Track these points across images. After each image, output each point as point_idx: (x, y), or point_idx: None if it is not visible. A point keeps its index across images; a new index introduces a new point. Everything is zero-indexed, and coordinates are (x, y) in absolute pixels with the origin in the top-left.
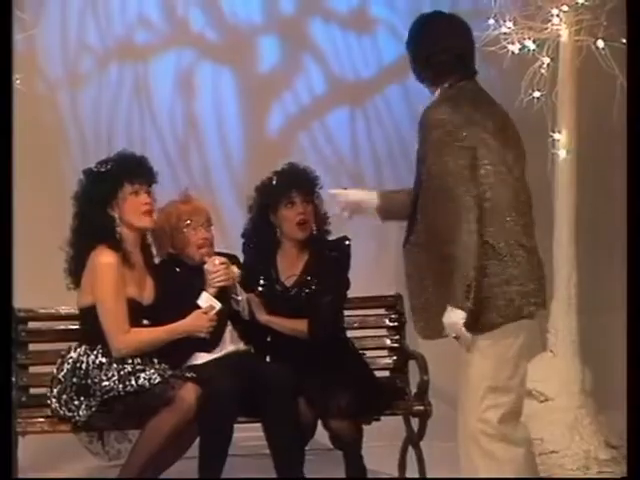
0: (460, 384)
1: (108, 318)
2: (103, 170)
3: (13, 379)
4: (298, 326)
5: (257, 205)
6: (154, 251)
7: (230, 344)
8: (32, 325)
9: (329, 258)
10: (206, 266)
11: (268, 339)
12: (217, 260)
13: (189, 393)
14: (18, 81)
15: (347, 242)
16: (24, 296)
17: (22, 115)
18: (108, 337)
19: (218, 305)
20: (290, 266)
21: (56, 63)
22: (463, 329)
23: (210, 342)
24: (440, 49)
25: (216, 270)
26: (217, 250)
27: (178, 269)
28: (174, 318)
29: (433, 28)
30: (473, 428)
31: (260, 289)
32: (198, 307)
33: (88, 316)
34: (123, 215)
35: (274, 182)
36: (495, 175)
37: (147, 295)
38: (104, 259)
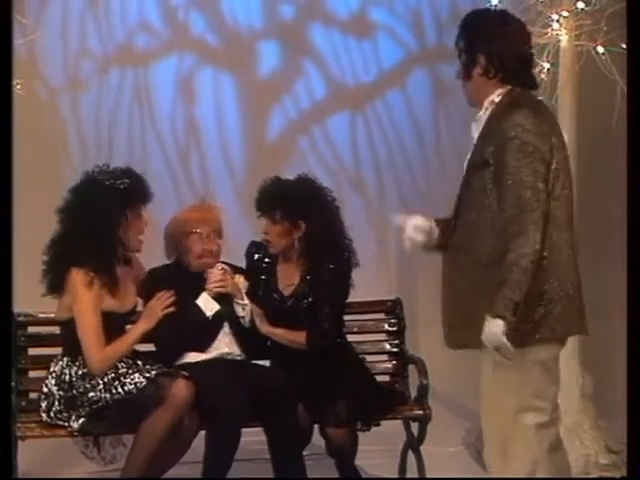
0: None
1: (86, 336)
2: (117, 186)
3: (13, 383)
4: (297, 338)
5: None
6: (165, 253)
7: (225, 347)
8: (32, 330)
9: (327, 267)
10: (208, 271)
11: (268, 344)
12: (219, 266)
13: (181, 389)
14: (18, 86)
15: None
16: (24, 300)
17: (22, 120)
18: (86, 355)
19: (217, 307)
20: (289, 275)
21: (57, 68)
22: (504, 339)
23: (203, 342)
24: (525, 50)
25: (214, 275)
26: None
27: (177, 275)
28: (168, 321)
29: (514, 27)
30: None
31: (258, 296)
32: (197, 306)
33: (68, 328)
34: (125, 236)
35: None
36: (562, 191)
37: (129, 302)
38: (82, 278)
